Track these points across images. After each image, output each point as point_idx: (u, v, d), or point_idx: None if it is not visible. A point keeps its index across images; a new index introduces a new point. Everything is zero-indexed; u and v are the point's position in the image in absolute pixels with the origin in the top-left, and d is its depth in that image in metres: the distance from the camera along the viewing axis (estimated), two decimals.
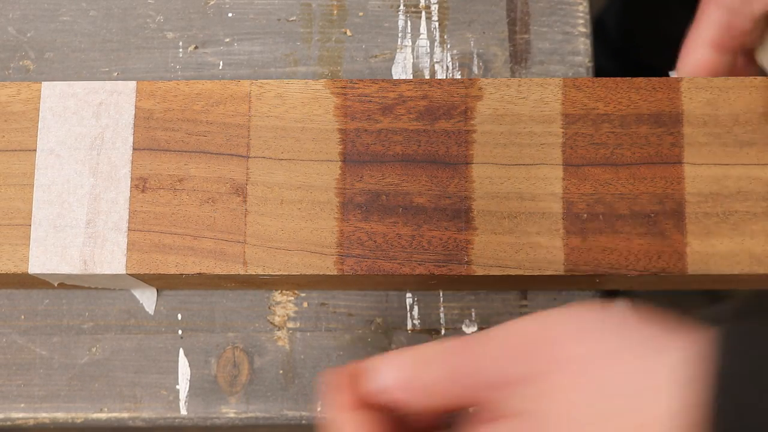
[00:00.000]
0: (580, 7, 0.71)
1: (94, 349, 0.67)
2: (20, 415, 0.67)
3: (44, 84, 0.62)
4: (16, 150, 0.62)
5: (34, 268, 0.60)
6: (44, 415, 0.67)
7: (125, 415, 0.66)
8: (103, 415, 0.66)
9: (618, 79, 0.61)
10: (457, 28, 0.71)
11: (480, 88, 0.61)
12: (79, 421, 0.66)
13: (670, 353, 0.44)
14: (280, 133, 0.61)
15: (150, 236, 0.60)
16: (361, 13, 0.71)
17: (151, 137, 0.61)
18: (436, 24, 0.71)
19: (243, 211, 0.60)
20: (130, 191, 0.61)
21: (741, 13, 0.63)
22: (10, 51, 0.71)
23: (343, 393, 0.48)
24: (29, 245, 0.60)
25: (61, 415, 0.66)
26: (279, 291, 0.67)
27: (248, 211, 0.60)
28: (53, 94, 0.62)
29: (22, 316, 0.68)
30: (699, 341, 0.44)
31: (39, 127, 0.62)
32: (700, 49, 0.65)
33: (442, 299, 0.66)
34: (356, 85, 0.61)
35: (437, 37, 0.71)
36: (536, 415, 0.45)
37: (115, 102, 0.62)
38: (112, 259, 0.60)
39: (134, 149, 0.61)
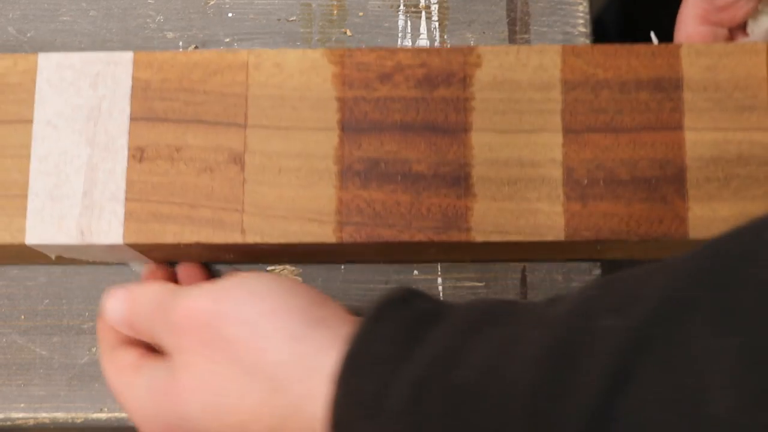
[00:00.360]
0: (580, 7, 0.71)
1: (94, 349, 0.67)
2: (20, 415, 0.66)
3: (41, 55, 0.62)
4: (12, 121, 0.61)
5: (31, 238, 0.60)
6: (44, 415, 0.66)
7: (125, 415, 0.66)
8: (103, 415, 0.66)
9: (617, 45, 0.60)
10: (457, 28, 0.70)
11: (479, 56, 0.61)
12: (79, 421, 0.66)
13: (324, 342, 0.49)
14: (277, 102, 0.61)
15: (147, 206, 0.60)
16: (361, 13, 0.71)
17: (149, 107, 0.61)
18: (436, 24, 0.71)
19: (241, 180, 0.60)
20: (128, 161, 0.60)
21: None
22: (10, 51, 0.70)
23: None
24: (26, 216, 0.60)
25: (61, 415, 0.66)
26: None
27: (246, 179, 0.60)
28: (50, 65, 0.62)
29: (22, 316, 0.67)
30: (347, 335, 0.49)
31: (36, 98, 0.61)
32: (690, 23, 0.65)
33: (442, 296, 0.66)
34: (354, 54, 0.61)
35: (437, 37, 0.70)
36: (181, 377, 0.51)
37: (112, 72, 0.61)
38: (109, 229, 0.60)
39: (131, 119, 0.61)
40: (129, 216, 0.60)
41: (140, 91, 0.61)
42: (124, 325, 0.56)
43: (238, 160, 0.60)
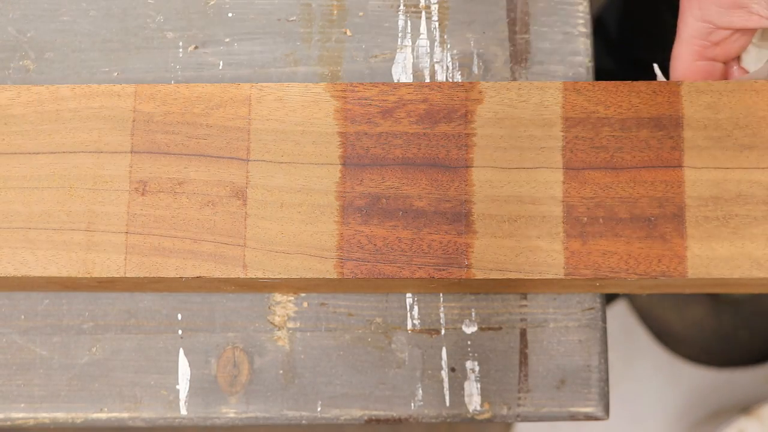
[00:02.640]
0: (581, 7, 0.71)
1: (94, 349, 0.67)
2: (20, 415, 0.67)
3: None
4: (16, 153, 0.61)
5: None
6: (44, 415, 0.67)
7: (125, 415, 0.66)
8: (103, 415, 0.67)
9: (618, 82, 0.61)
10: (457, 28, 0.70)
11: (480, 92, 0.61)
12: (79, 421, 0.67)
13: None
14: (280, 137, 0.61)
15: (150, 239, 0.60)
16: (361, 13, 0.71)
17: (151, 140, 0.61)
18: (436, 24, 0.71)
19: (243, 214, 0.60)
20: (130, 194, 0.61)
21: (720, 24, 0.63)
22: (10, 51, 0.71)
23: None
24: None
25: (61, 415, 0.67)
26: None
27: (248, 214, 0.60)
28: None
29: (22, 316, 0.68)
30: None
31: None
32: (686, 59, 0.64)
33: (442, 299, 0.66)
34: (356, 89, 0.61)
35: (437, 37, 0.70)
36: None
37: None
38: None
39: (133, 152, 0.61)
40: (131, 249, 0.60)
41: (142, 123, 0.61)
42: None
43: (240, 194, 0.60)
